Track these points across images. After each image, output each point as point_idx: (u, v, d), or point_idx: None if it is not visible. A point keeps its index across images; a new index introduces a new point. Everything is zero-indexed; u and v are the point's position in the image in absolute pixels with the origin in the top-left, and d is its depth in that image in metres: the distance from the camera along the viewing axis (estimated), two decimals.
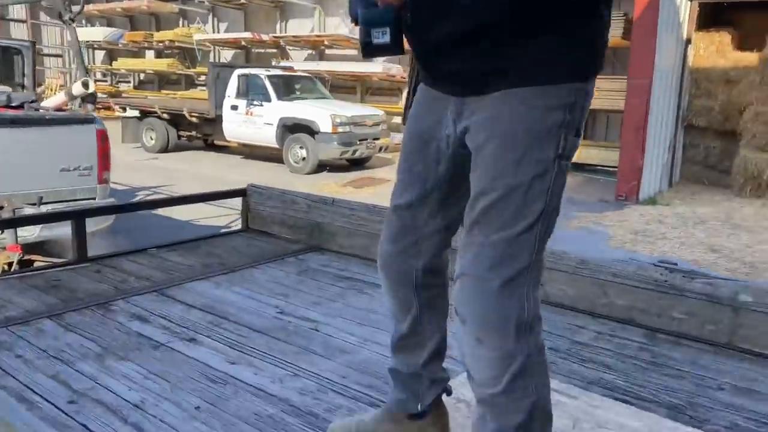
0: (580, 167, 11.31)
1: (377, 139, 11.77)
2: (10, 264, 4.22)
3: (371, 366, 2.27)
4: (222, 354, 2.35)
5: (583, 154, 11.06)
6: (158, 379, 2.15)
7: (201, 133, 13.51)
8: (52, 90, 13.35)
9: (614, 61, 10.60)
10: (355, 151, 11.39)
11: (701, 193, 9.62)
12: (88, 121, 5.00)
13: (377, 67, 13.73)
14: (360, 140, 11.37)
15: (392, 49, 1.28)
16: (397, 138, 13.89)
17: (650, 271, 2.62)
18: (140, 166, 11.72)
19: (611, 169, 9.68)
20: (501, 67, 1.24)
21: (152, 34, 18.97)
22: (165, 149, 13.66)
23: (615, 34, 10.35)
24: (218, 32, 18.26)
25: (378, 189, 10.13)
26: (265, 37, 16.07)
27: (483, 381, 1.27)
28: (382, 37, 1.26)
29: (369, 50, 1.29)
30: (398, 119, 14.31)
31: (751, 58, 9.51)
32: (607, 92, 10.13)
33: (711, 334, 2.47)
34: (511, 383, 1.24)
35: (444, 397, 1.69)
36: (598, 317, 2.73)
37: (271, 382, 2.14)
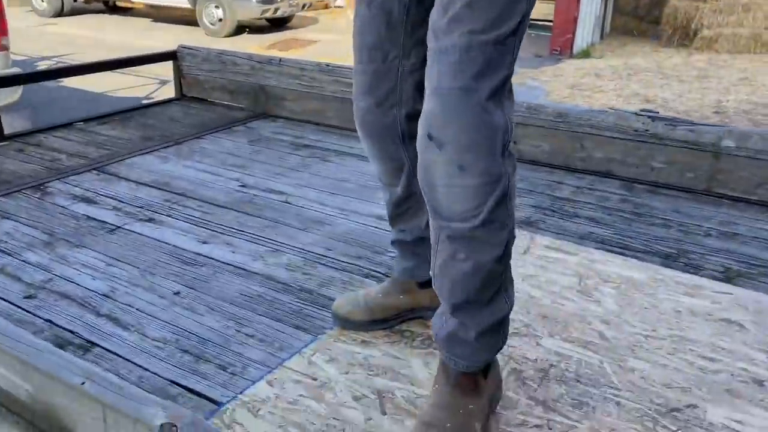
0: None
1: None
2: None
3: (355, 236, 2.13)
4: (189, 234, 2.14)
5: None
6: (124, 265, 1.93)
7: None
8: None
9: None
10: (276, 10, 10.59)
11: (631, 45, 9.66)
12: None
13: None
14: None
15: None
16: None
17: (631, 121, 2.54)
18: (35, 34, 10.48)
19: (544, 23, 9.49)
20: None
21: None
22: (59, 13, 12.24)
23: None
24: None
25: (307, 51, 9.58)
26: None
27: (459, 215, 1.10)
28: None
29: None
30: None
31: None
32: None
33: (690, 181, 2.46)
34: (491, 213, 1.09)
35: None
36: (574, 171, 2.67)
37: (252, 259, 1.97)
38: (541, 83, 7.44)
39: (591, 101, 6.61)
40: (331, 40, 10.01)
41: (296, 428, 1.24)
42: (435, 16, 1.10)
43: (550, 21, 9.17)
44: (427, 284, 1.52)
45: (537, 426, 1.25)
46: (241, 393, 1.35)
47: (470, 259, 1.13)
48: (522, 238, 1.99)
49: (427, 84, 1.11)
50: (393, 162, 1.44)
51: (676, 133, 2.44)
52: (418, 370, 1.42)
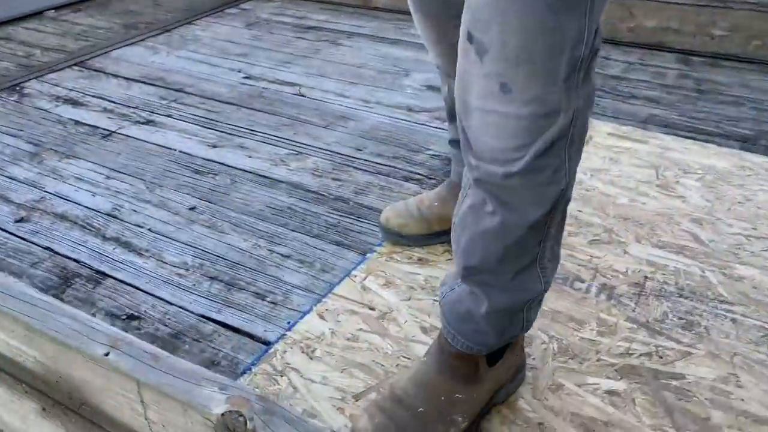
0: None
1: None
2: None
3: (386, 132, 1.86)
4: (196, 136, 1.86)
5: None
6: (126, 177, 1.67)
7: None
8: None
9: None
10: None
11: None
12: None
13: None
14: None
15: None
16: None
17: None
18: None
19: None
20: None
21: None
22: None
23: None
24: None
25: None
26: None
27: (493, 154, 0.78)
28: None
29: None
30: None
31: None
32: None
33: (757, 50, 2.16)
34: (538, 159, 0.77)
35: None
36: (621, 45, 2.36)
37: (273, 165, 1.71)
38: None
39: None
40: None
41: (362, 371, 1.05)
42: None
43: None
44: None
45: (645, 354, 1.06)
46: (289, 329, 1.14)
47: (498, 215, 0.81)
48: None
49: None
50: (454, 47, 1.14)
51: None
52: None
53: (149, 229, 1.47)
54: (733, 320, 1.13)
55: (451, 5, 1.07)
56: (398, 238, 1.34)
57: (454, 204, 1.31)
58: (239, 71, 2.29)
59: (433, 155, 1.73)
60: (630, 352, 1.07)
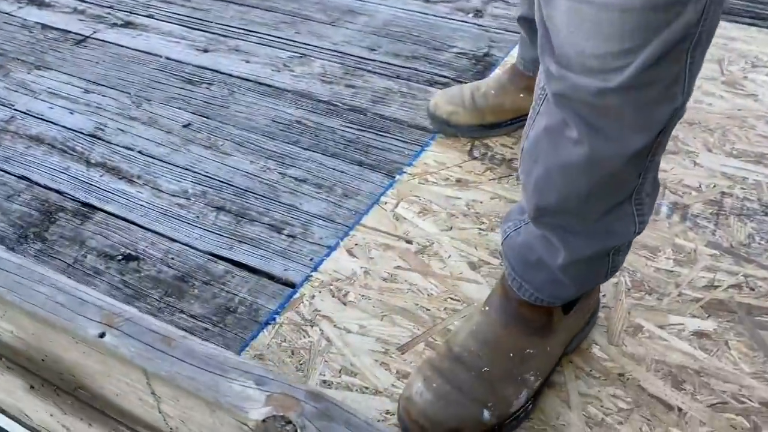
0: None
1: None
2: None
3: (401, 28, 1.62)
4: (183, 39, 1.62)
5: None
6: (107, 90, 1.45)
7: None
8: None
9: None
10: None
11: None
12: None
13: None
14: None
15: None
16: None
17: None
18: None
19: None
20: None
21: None
22: None
23: None
24: None
25: None
26: None
27: (586, 60, 0.57)
28: None
29: None
30: None
31: None
32: None
33: None
34: (650, 69, 0.56)
35: None
36: None
37: (275, 70, 1.49)
38: None
39: None
40: None
41: (405, 318, 0.90)
42: None
43: None
44: None
45: (734, 287, 0.91)
46: (315, 269, 0.98)
47: (585, 144, 0.61)
48: None
49: None
50: None
51: None
52: None
53: (140, 152, 1.28)
54: None
55: None
56: (446, 127, 1.20)
57: (514, 94, 1.15)
58: None
59: (459, 53, 1.51)
60: (715, 284, 0.92)
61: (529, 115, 0.71)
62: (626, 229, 0.70)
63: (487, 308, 0.80)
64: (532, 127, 0.69)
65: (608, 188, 0.66)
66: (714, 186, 1.07)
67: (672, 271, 0.94)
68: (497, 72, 1.20)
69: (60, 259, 1.07)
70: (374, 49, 1.54)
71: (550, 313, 0.78)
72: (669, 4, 0.53)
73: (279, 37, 1.61)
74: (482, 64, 1.47)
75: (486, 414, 0.74)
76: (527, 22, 1.08)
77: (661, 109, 0.60)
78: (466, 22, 1.62)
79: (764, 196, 1.05)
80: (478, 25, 1.60)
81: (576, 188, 0.66)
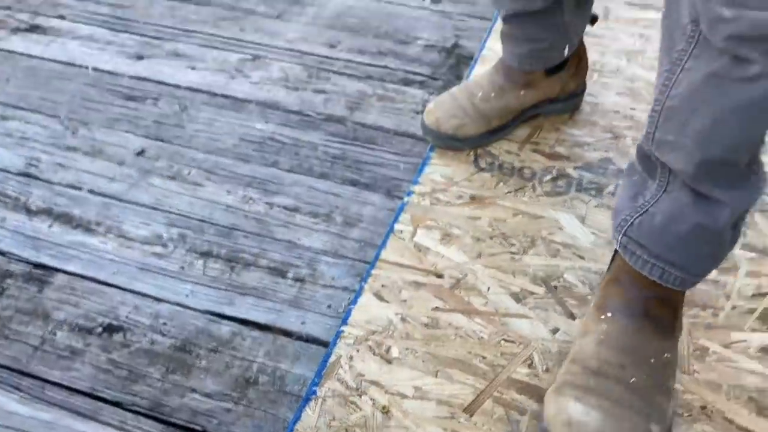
0: None
1: None
2: None
3: (358, 19, 1.48)
4: (110, 45, 1.40)
5: None
6: (29, 114, 1.22)
7: None
8: None
9: None
10: None
11: None
12: None
13: None
14: None
15: None
16: None
17: None
18: None
19: None
20: None
21: None
22: None
23: None
24: None
25: None
26: None
27: None
28: None
29: None
30: None
31: None
32: None
33: None
34: None
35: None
36: None
37: (229, 77, 1.31)
38: None
39: None
40: None
41: (461, 370, 0.80)
42: None
43: None
44: (557, 68, 1.09)
45: None
46: (345, 322, 0.86)
47: (763, 82, 0.57)
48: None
49: None
50: None
51: None
52: (573, 228, 0.98)
53: (90, 191, 1.08)
54: None
55: None
56: (453, 142, 1.09)
57: (514, 93, 1.11)
58: None
59: (427, 46, 1.40)
60: (762, 290, 0.89)
61: (668, 70, 0.65)
62: None
63: (609, 314, 0.75)
64: (679, 82, 0.64)
65: None
66: None
67: (718, 281, 0.90)
68: (487, 72, 1.11)
69: (23, 342, 0.88)
70: (334, 46, 1.40)
71: (675, 306, 0.76)
72: None
73: (223, 37, 1.42)
74: (454, 57, 1.37)
75: (654, 427, 0.69)
76: (517, 18, 1.01)
77: None
78: (424, 9, 1.51)
79: None
80: (439, 11, 1.50)
81: (753, 129, 0.63)
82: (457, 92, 1.11)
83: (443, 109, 1.09)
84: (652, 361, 0.72)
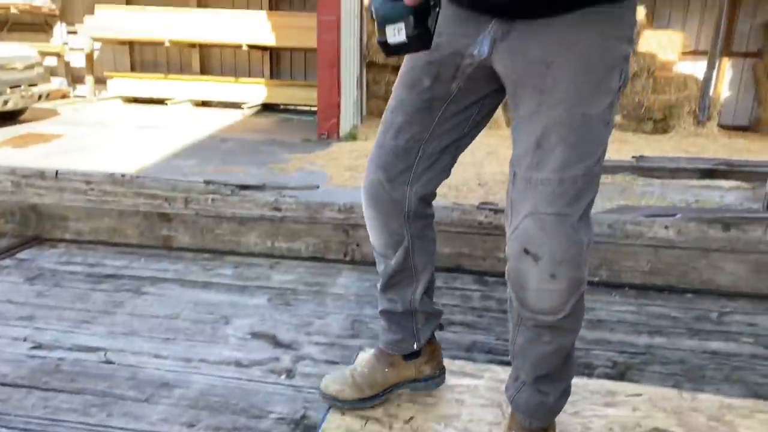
0: (274, 108, 11.14)
1: (34, 85, 9.68)
2: None
3: (219, 397, 1.68)
4: None
5: (285, 93, 10.93)
6: None
7: None
8: None
9: None
10: (6, 102, 9.18)
11: None
12: None
13: None
14: (11, 87, 9.19)
15: (411, 48, 1.15)
16: (58, 83, 11.70)
17: (475, 215, 2.51)
18: None
19: (310, 108, 9.61)
20: None
21: None
22: None
23: None
24: None
25: (49, 147, 8.43)
26: None
27: (548, 310, 1.25)
28: (398, 35, 1.12)
29: (388, 51, 1.14)
30: (54, 61, 12.14)
31: None
32: (301, 30, 9.94)
33: None
34: (574, 306, 1.25)
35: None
36: None
37: None
38: (320, 167, 7.44)
39: None
40: (78, 134, 8.91)
41: None
42: (526, 147, 1.21)
43: (313, 106, 9.35)
44: (412, 356, 1.60)
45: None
46: None
47: (554, 342, 1.30)
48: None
49: (521, 206, 1.22)
50: (394, 236, 1.49)
51: None
52: None
53: None
54: None
55: (399, 204, 1.44)
56: (335, 402, 1.57)
57: (380, 370, 1.59)
58: (25, 339, 1.96)
59: (278, 419, 1.59)
60: None
61: (511, 330, 1.37)
62: (574, 367, 1.43)
63: None
64: (515, 340, 1.36)
65: (568, 357, 1.37)
66: None
67: None
68: (368, 354, 1.66)
69: None
70: (193, 425, 1.56)
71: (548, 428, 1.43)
72: (577, 285, 1.25)
73: (90, 425, 1.55)
74: (301, 428, 1.56)
75: None
76: (387, 314, 1.56)
77: (580, 320, 1.32)
78: (279, 384, 1.74)
79: None
80: (292, 386, 1.73)
81: (555, 362, 1.35)
82: (348, 368, 1.62)
83: (333, 378, 1.59)
84: None
